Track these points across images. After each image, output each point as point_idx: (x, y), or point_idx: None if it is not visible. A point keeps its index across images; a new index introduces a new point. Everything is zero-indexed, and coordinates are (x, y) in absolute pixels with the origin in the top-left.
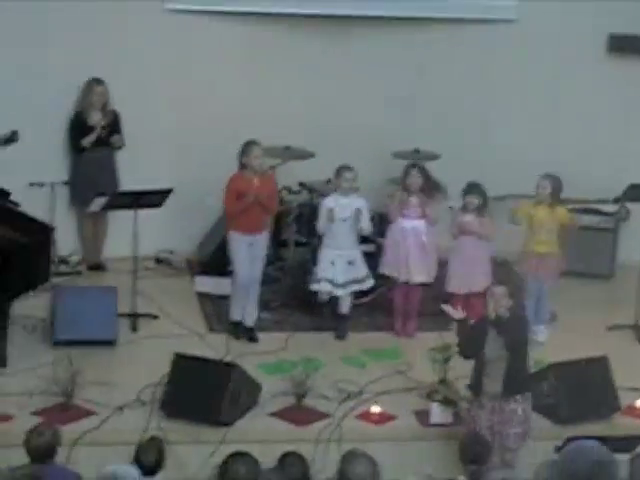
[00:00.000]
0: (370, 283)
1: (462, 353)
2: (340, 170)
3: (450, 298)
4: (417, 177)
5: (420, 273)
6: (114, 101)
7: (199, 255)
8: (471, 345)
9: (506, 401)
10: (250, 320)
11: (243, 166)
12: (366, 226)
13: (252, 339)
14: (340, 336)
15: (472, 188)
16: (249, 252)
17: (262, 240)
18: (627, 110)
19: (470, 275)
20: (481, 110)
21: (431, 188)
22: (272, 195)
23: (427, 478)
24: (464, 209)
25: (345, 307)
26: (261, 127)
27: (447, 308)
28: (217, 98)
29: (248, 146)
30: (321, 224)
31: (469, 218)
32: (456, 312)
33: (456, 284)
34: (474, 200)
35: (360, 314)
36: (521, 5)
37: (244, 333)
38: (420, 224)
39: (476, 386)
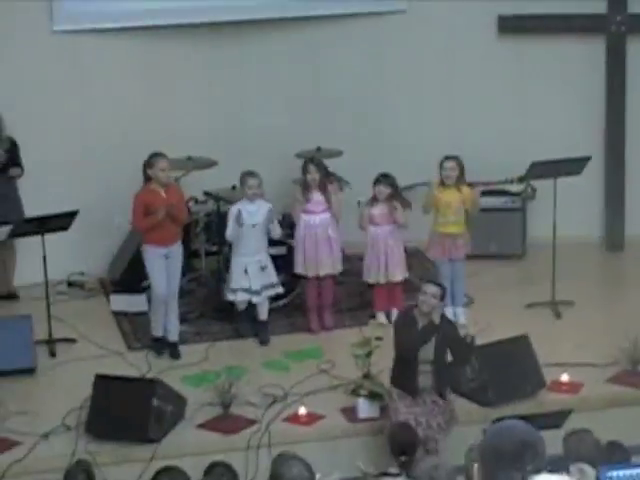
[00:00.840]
0: (280, 289)
1: (402, 349)
2: (243, 177)
3: (369, 290)
4: (315, 172)
5: (326, 266)
6: (9, 128)
7: (111, 274)
8: (406, 337)
9: (428, 393)
10: (173, 335)
11: (148, 178)
12: (277, 230)
13: (174, 356)
14: (264, 341)
15: (381, 178)
16: (165, 265)
17: (177, 251)
18: (521, 89)
19: (387, 265)
20: (380, 102)
21: (332, 181)
22: (181, 205)
23: (360, 472)
24: (374, 200)
25: (263, 313)
26: (162, 139)
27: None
28: (115, 116)
29: (153, 158)
30: (229, 231)
31: (379, 209)
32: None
33: (375, 275)
34: (384, 190)
35: (278, 317)
36: None
37: (166, 349)
38: (325, 218)
39: (399, 378)
